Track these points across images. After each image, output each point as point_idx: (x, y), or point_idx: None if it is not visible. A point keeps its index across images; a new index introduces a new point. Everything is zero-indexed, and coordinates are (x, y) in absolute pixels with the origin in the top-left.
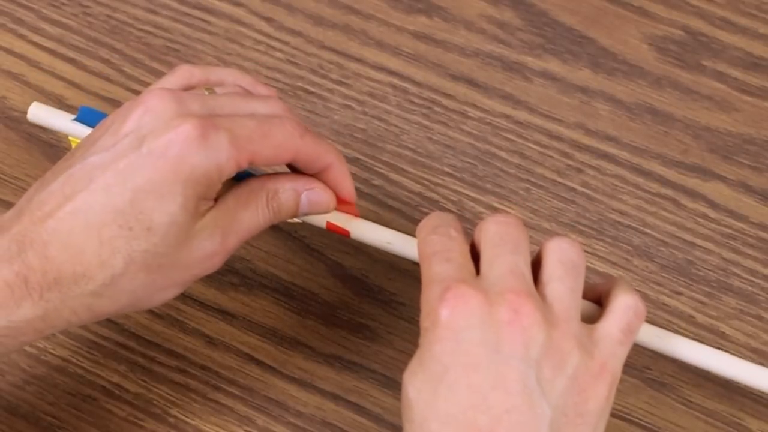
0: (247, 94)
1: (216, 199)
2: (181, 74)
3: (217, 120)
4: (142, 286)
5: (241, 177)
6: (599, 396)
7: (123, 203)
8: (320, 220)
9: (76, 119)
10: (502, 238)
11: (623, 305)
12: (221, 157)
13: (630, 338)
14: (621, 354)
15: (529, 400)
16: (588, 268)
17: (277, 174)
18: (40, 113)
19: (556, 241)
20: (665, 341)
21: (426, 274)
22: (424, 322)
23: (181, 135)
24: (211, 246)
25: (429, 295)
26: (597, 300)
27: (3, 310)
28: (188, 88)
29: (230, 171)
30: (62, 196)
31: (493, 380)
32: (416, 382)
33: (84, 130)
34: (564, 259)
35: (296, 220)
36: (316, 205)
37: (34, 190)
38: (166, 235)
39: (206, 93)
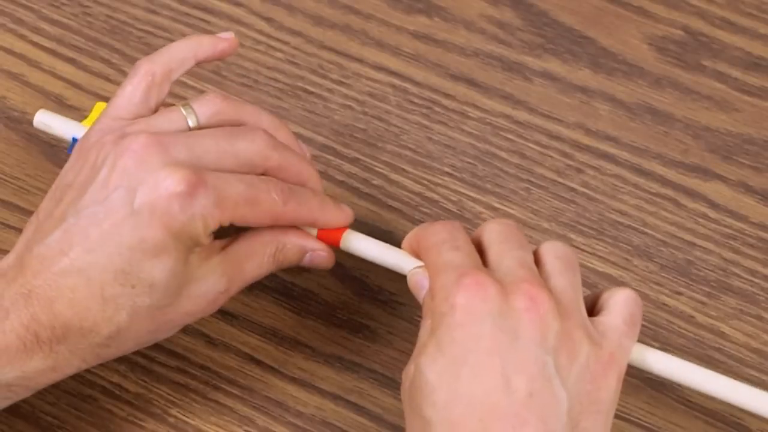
0: (231, 129)
1: (223, 241)
2: (146, 75)
3: (208, 177)
4: (147, 333)
5: None
6: (609, 386)
7: (122, 263)
8: (310, 230)
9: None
10: (507, 237)
11: (623, 298)
12: (206, 215)
13: (634, 330)
14: (627, 346)
15: (549, 386)
16: (588, 268)
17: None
18: (46, 120)
19: (551, 242)
20: (647, 358)
21: (435, 261)
22: (441, 307)
23: (168, 190)
24: (215, 292)
25: (443, 281)
26: (589, 312)
27: (16, 362)
28: (152, 87)
29: (214, 228)
30: (61, 253)
31: (515, 364)
32: (436, 367)
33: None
34: (560, 255)
35: None
36: (316, 264)
37: (31, 233)
38: (167, 288)
39: (185, 114)
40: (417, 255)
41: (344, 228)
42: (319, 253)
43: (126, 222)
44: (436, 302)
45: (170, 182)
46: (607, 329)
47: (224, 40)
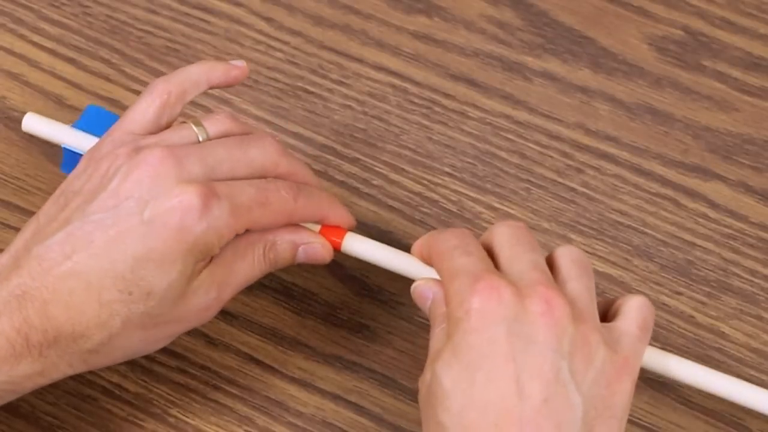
0: (240, 139)
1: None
2: (160, 95)
3: (218, 188)
4: (137, 343)
5: None
6: (624, 391)
7: (124, 270)
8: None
9: (78, 122)
10: (518, 239)
11: (636, 304)
12: (221, 226)
13: (647, 335)
14: (641, 351)
15: (564, 391)
16: None
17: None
18: (34, 124)
19: (565, 247)
20: (663, 362)
21: (448, 266)
22: (456, 312)
23: (183, 204)
24: (206, 300)
25: (458, 286)
26: (601, 318)
27: (4, 367)
28: (166, 106)
29: (229, 238)
30: (62, 255)
31: (529, 370)
32: (451, 372)
33: (76, 140)
34: (576, 259)
35: None
36: (312, 258)
37: (30, 234)
38: (164, 299)
39: (197, 131)
40: (427, 262)
41: (344, 231)
42: (313, 246)
43: (135, 231)
44: (452, 308)
45: (184, 197)
46: (622, 334)
47: (236, 67)
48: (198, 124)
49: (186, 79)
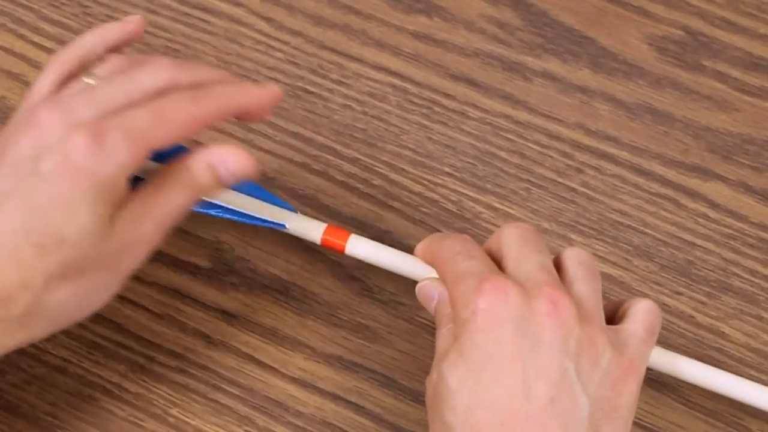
0: (130, 68)
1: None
2: (55, 68)
3: (108, 121)
4: (70, 299)
5: (165, 155)
6: (630, 392)
7: (32, 224)
8: (315, 237)
9: None
10: (526, 240)
11: (644, 308)
12: (120, 157)
13: (653, 339)
14: (646, 353)
15: (570, 391)
16: None
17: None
18: None
19: (573, 249)
20: (671, 362)
21: (453, 270)
22: (463, 313)
23: (75, 147)
24: (127, 240)
25: (464, 288)
26: (609, 320)
27: None
28: (69, 76)
29: (132, 167)
30: None
31: (536, 370)
32: (457, 372)
33: None
34: (583, 261)
35: (288, 231)
36: (238, 174)
37: None
38: (79, 244)
39: (87, 80)
40: (430, 266)
41: (348, 233)
42: (231, 160)
43: (34, 184)
44: (458, 310)
45: (75, 141)
46: (628, 336)
47: (130, 22)
48: (89, 75)
49: (80, 48)
